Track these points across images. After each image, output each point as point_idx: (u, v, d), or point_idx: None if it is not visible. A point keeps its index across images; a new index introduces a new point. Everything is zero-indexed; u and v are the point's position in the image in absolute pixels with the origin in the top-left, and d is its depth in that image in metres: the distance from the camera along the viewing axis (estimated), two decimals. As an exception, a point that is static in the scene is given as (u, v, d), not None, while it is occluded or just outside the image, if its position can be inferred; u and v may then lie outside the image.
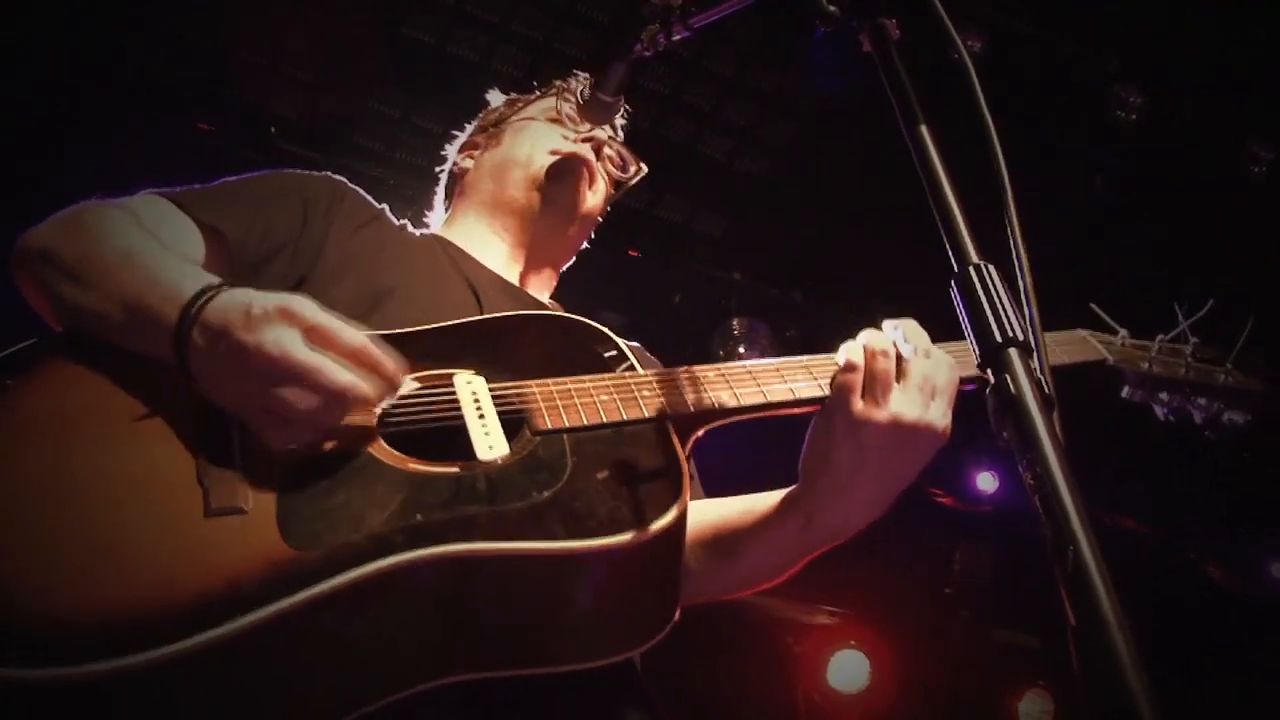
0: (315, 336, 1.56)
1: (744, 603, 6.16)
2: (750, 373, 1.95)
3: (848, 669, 6.37)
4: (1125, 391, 2.24)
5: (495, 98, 2.81)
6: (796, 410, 1.93)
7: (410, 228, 2.45)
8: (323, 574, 1.43)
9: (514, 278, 2.47)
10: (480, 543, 1.53)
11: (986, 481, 6.26)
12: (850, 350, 1.86)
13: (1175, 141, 5.17)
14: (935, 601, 6.70)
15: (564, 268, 2.65)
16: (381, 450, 1.66)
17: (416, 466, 1.64)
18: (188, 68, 4.78)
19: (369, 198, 2.35)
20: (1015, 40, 4.97)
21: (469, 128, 2.79)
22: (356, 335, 1.59)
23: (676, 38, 2.04)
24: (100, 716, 1.33)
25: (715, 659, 5.82)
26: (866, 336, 1.87)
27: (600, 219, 2.65)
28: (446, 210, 2.70)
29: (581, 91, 2.35)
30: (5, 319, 1.78)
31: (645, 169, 2.64)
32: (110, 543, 1.44)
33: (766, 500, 2.02)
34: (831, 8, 1.67)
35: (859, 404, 1.82)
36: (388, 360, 1.61)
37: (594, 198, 2.55)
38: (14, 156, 4.35)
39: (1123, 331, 2.28)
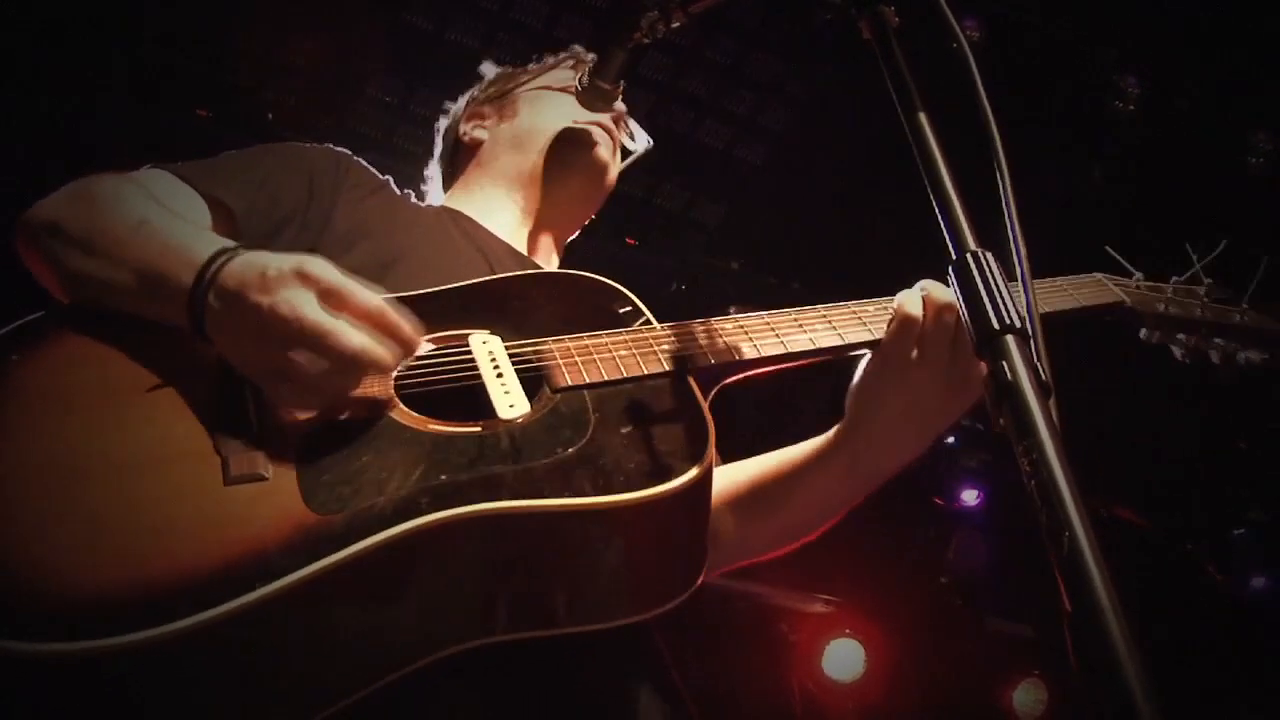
0: (330, 298, 1.55)
1: (739, 591, 6.17)
2: (769, 324, 1.96)
3: (843, 657, 6.37)
4: (1143, 333, 2.24)
5: (489, 69, 2.79)
6: (816, 360, 1.96)
7: (414, 198, 2.44)
8: (348, 538, 1.41)
9: (522, 246, 2.46)
10: (508, 501, 1.51)
11: (970, 496, 6.67)
12: (909, 301, 1.91)
13: (1174, 131, 5.17)
14: (930, 590, 6.70)
15: (569, 240, 2.64)
16: (400, 412, 1.65)
17: (437, 427, 1.62)
18: (186, 54, 4.76)
19: (372, 169, 2.34)
20: (1014, 28, 4.96)
21: (463, 99, 2.77)
22: (372, 298, 1.57)
23: (675, 25, 2.04)
24: (130, 690, 1.31)
25: (710, 647, 5.83)
26: (929, 288, 1.91)
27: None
28: (449, 182, 2.68)
29: (581, 79, 2.35)
30: (7, 300, 1.75)
31: (652, 142, 2.65)
32: (127, 516, 1.42)
33: (804, 448, 2.06)
34: (830, -6, 1.67)
35: (915, 353, 1.89)
36: (404, 323, 1.59)
37: (614, 168, 2.56)
38: (10, 142, 4.33)
39: (1137, 274, 2.28)
